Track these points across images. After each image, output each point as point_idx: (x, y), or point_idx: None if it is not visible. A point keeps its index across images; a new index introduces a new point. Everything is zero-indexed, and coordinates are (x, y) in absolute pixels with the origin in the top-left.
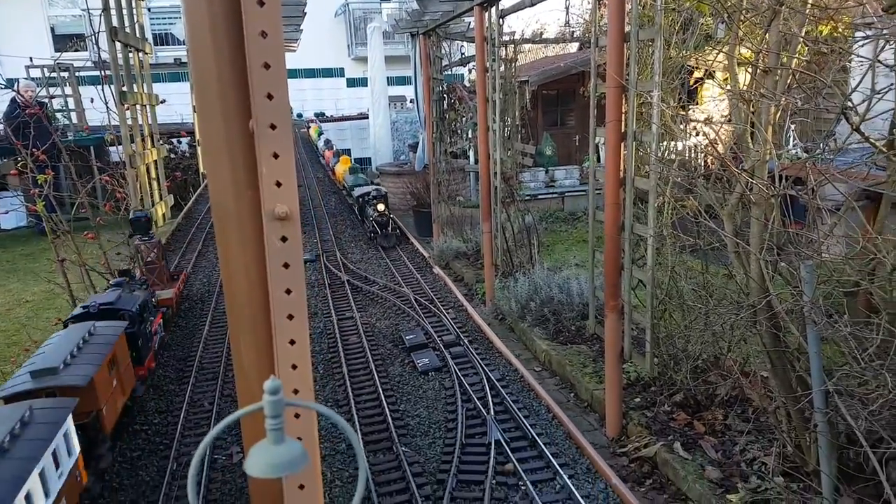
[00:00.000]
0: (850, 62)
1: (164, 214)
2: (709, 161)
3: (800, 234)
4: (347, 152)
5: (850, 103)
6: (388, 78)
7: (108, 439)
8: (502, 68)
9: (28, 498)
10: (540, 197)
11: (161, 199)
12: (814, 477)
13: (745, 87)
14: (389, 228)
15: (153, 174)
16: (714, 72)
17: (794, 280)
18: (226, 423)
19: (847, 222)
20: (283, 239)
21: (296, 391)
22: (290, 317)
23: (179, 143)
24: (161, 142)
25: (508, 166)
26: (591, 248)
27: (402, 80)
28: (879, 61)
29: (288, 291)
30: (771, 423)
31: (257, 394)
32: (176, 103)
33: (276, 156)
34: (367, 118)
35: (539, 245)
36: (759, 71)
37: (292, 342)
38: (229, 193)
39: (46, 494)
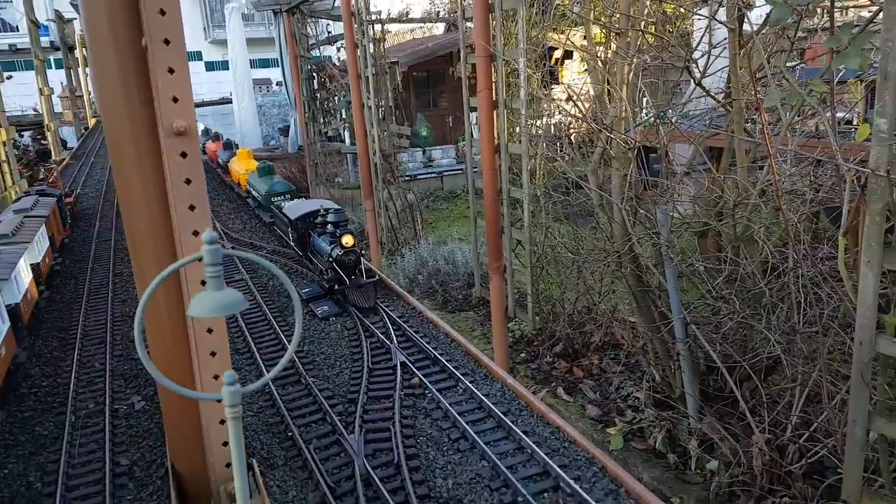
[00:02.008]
0: (691, 25)
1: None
2: (573, 124)
3: (655, 183)
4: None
5: (692, 60)
6: (251, 61)
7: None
8: (372, 48)
9: None
10: (419, 177)
11: (13, 182)
12: (680, 402)
13: (600, 49)
14: (363, 273)
15: (2, 156)
16: (573, 51)
17: (651, 225)
18: (164, 275)
19: (696, 177)
20: (183, 155)
21: (210, 330)
22: (196, 233)
23: (21, 136)
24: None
25: (386, 144)
26: (472, 216)
27: (266, 63)
28: (716, 19)
29: (192, 208)
30: (640, 359)
31: (162, 309)
32: (13, 94)
33: (171, 71)
34: (231, 103)
35: (423, 222)
36: (612, 33)
37: (200, 259)
38: (123, 113)
39: None
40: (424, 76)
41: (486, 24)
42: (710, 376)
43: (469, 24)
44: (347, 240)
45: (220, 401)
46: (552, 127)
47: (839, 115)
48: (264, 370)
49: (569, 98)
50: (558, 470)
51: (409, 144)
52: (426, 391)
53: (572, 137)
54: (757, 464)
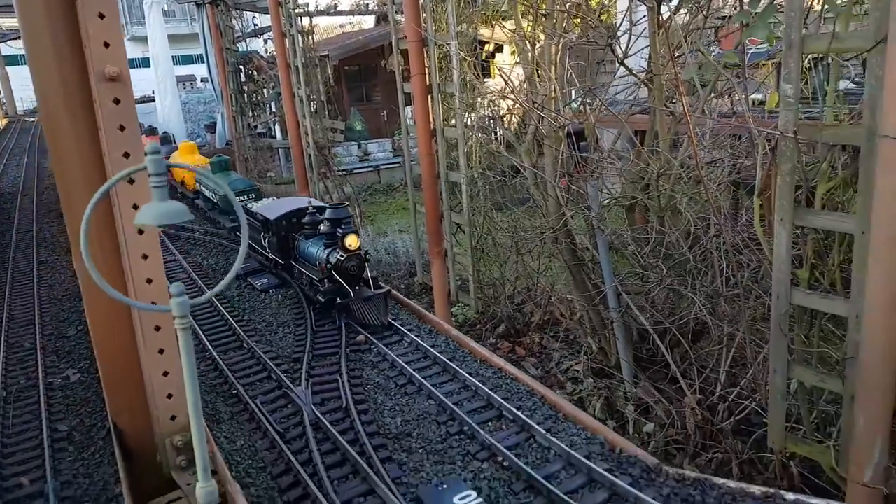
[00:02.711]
0: (614, 6)
1: None
2: (507, 106)
3: (585, 161)
4: None
5: (615, 38)
6: (174, 57)
7: None
8: (301, 41)
9: None
10: (356, 171)
11: None
12: (616, 370)
13: (528, 30)
14: (369, 282)
15: None
16: (503, 46)
17: (583, 201)
18: (107, 185)
19: (622, 154)
20: (116, 101)
21: (145, 256)
22: (132, 181)
23: None
24: None
25: (320, 135)
26: (412, 205)
27: (189, 59)
28: None
29: (126, 155)
30: (578, 333)
31: (97, 254)
32: None
33: (101, 16)
34: (153, 101)
35: (361, 214)
36: (539, 14)
37: (135, 206)
38: (51, 59)
39: None
40: (356, 70)
41: (416, 8)
42: (644, 344)
43: (400, 17)
44: (352, 241)
45: (169, 312)
46: (487, 109)
47: (754, 95)
48: (209, 346)
49: (504, 87)
50: (501, 401)
51: (344, 139)
52: (372, 346)
53: (506, 119)
54: (690, 423)
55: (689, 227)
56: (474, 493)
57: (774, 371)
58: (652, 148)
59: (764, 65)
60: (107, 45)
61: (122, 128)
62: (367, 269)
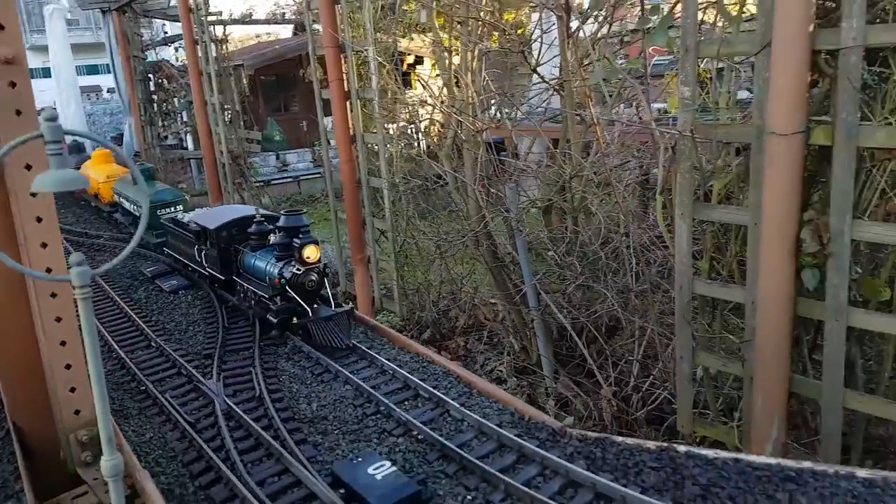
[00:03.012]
0: (528, 16)
1: None
2: (426, 111)
3: (503, 164)
4: None
5: (527, 45)
6: (77, 67)
7: None
8: (214, 50)
9: None
10: (275, 182)
11: None
12: (538, 367)
13: (445, 38)
14: (330, 299)
15: None
16: (423, 58)
17: (502, 203)
18: (12, 145)
19: (539, 159)
20: (12, 84)
21: (44, 245)
22: (29, 167)
23: None
24: None
25: (235, 145)
26: (333, 214)
27: (94, 69)
28: (545, 5)
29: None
30: (501, 334)
31: None
32: None
33: None
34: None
35: None
36: (454, 22)
37: (34, 194)
38: None
39: None
40: (274, 80)
41: (332, 14)
42: (563, 341)
43: (317, 26)
44: (311, 253)
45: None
46: (407, 114)
47: (658, 105)
48: (115, 346)
49: (424, 93)
50: (418, 381)
51: (262, 149)
52: (289, 339)
53: (425, 126)
54: (607, 415)
55: (601, 226)
56: (388, 463)
57: (681, 358)
58: (565, 151)
59: (671, 76)
60: (1, 27)
61: (18, 112)
62: (327, 284)
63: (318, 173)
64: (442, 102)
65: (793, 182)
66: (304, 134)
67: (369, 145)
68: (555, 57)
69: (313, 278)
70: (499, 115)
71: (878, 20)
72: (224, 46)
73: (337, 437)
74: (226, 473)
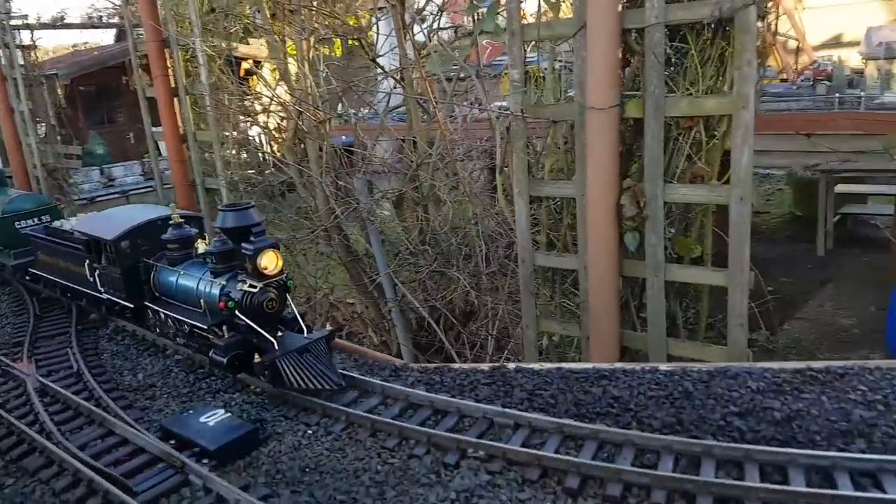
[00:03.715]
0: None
1: None
2: (264, 104)
3: (351, 156)
4: None
5: (363, 33)
6: None
7: None
8: (21, 58)
9: None
10: (100, 199)
11: None
12: (398, 358)
13: (278, 28)
14: (298, 321)
15: None
16: (261, 62)
17: (351, 195)
18: None
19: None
20: None
21: None
22: None
23: None
24: None
25: (51, 158)
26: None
27: None
28: None
29: None
30: (359, 333)
31: None
32: None
33: None
34: None
35: None
36: (286, 10)
37: None
38: None
39: None
40: (94, 90)
41: (153, 7)
42: (421, 330)
43: (139, 30)
44: (269, 261)
45: None
46: (243, 108)
47: (500, 104)
48: None
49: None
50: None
51: (83, 164)
52: (112, 321)
53: (264, 120)
54: None
55: (450, 212)
56: (222, 411)
57: (526, 326)
58: (411, 138)
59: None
60: None
61: None
62: (290, 300)
63: (150, 187)
64: (278, 95)
65: (612, 153)
66: (131, 146)
67: (203, 143)
68: (394, 48)
69: (272, 296)
70: (344, 114)
71: (676, 0)
72: (33, 53)
73: (167, 401)
74: (41, 443)
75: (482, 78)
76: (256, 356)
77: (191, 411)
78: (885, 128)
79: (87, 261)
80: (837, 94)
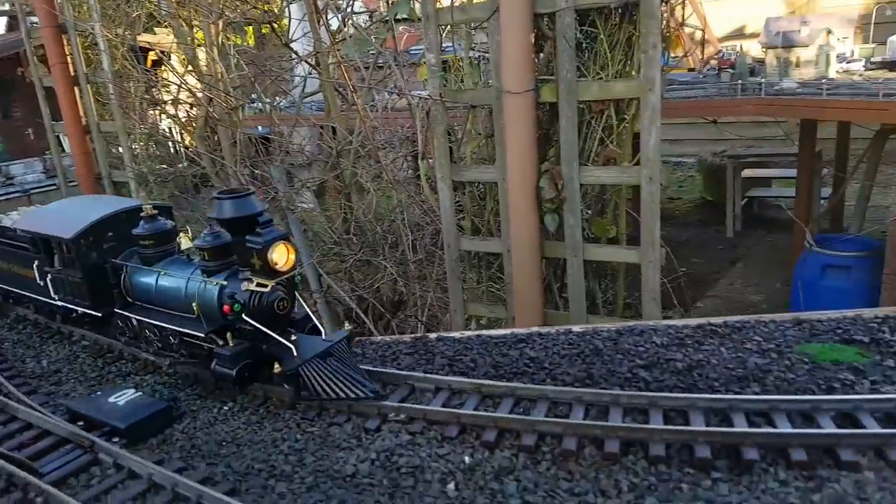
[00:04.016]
0: None
1: None
2: (171, 94)
3: (268, 144)
4: None
5: (274, 17)
6: None
7: None
8: None
9: None
10: None
11: None
12: None
13: (185, 12)
14: (311, 319)
15: None
16: (170, 53)
17: (270, 184)
18: None
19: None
20: None
21: None
22: None
23: None
24: None
25: None
26: None
27: None
28: None
29: None
30: None
31: None
32: None
33: None
34: None
35: None
36: None
37: None
38: None
39: None
40: None
41: None
42: (351, 322)
43: (34, 19)
44: (281, 255)
45: None
46: (152, 98)
47: (420, 91)
48: None
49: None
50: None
51: None
52: (12, 311)
53: (174, 112)
54: None
55: (374, 201)
56: (133, 390)
57: (454, 311)
58: (330, 125)
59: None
60: None
61: None
62: (300, 298)
63: (54, 185)
64: (186, 82)
65: (529, 136)
66: (31, 142)
67: (107, 135)
68: (307, 33)
69: (283, 295)
70: (258, 100)
71: None
72: None
73: (74, 385)
74: None
75: (400, 64)
76: (276, 365)
77: (98, 393)
78: (783, 111)
79: (37, 263)
80: (740, 82)
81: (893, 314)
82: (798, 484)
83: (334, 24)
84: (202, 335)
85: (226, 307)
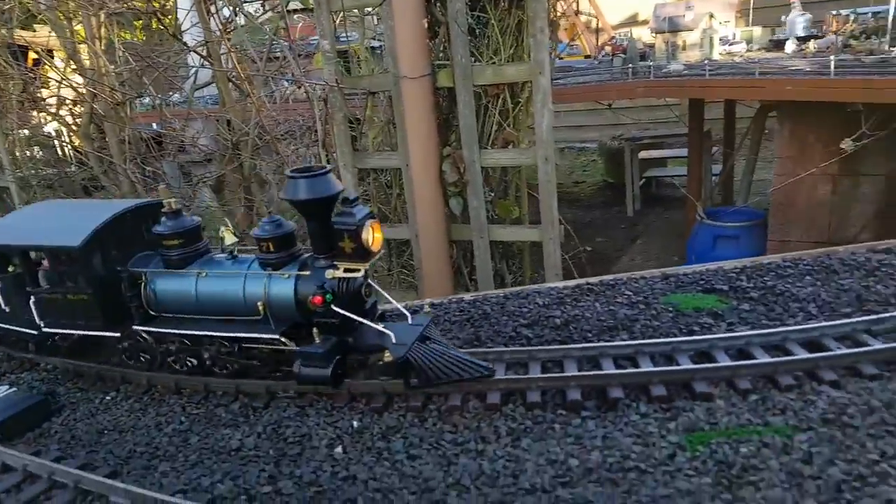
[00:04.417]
0: None
1: None
2: (51, 92)
3: (160, 139)
4: None
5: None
6: None
7: None
8: None
9: None
10: None
11: None
12: None
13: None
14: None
15: None
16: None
17: (163, 180)
18: None
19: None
20: None
21: None
22: None
23: None
24: None
25: None
26: None
27: None
28: None
29: None
30: None
31: None
32: None
33: None
34: None
35: None
36: None
37: None
38: None
39: None
40: None
41: None
42: None
43: None
44: (372, 235)
45: None
46: (32, 97)
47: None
48: None
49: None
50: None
51: None
52: None
53: (59, 113)
54: None
55: (276, 193)
56: (7, 386)
57: None
58: (225, 117)
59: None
60: None
61: None
62: (372, 283)
63: None
64: (68, 79)
65: (429, 121)
66: None
67: None
68: (196, 24)
69: (365, 280)
70: (146, 93)
71: None
72: None
73: None
74: None
75: (294, 52)
76: (387, 354)
77: None
78: (671, 92)
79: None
80: (631, 66)
81: (751, 264)
82: (657, 415)
83: (226, 13)
84: (275, 337)
85: (316, 298)
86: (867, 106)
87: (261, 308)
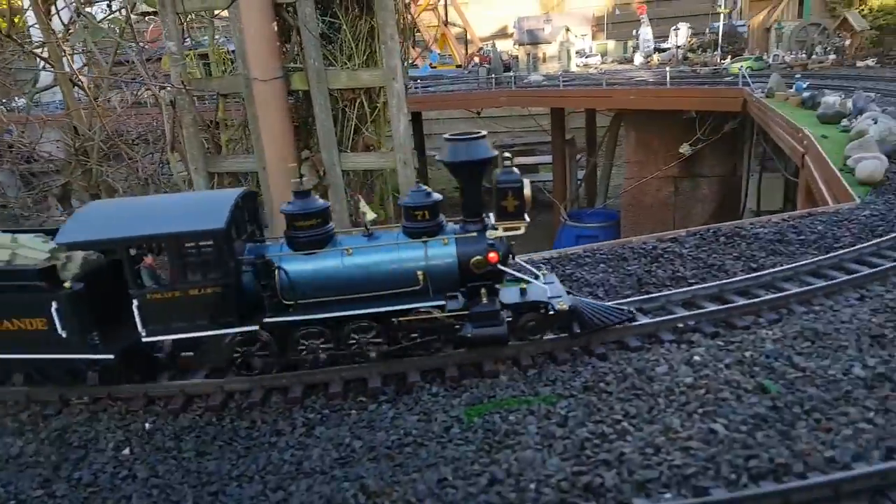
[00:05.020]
0: None
1: None
2: None
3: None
4: None
5: None
6: None
7: None
8: None
9: None
10: None
11: None
12: None
13: None
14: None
15: None
16: None
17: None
18: None
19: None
20: None
21: None
22: None
23: None
24: None
25: None
26: None
27: None
28: None
29: None
30: None
31: None
32: None
33: None
34: None
35: None
36: None
37: None
38: None
39: None
40: None
41: None
42: None
43: None
44: (529, 193)
45: None
46: None
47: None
48: None
49: None
50: None
51: None
52: None
53: None
54: None
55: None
56: None
57: None
58: (69, 122)
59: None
60: None
61: None
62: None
63: None
64: None
65: (284, 124)
66: None
67: None
68: (34, 25)
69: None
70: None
71: None
72: None
73: None
74: None
75: (141, 54)
76: (561, 303)
77: None
78: (531, 101)
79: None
80: (494, 76)
81: (559, 255)
82: (446, 393)
83: (67, 16)
84: (439, 304)
85: (491, 256)
86: (699, 113)
87: (420, 277)
